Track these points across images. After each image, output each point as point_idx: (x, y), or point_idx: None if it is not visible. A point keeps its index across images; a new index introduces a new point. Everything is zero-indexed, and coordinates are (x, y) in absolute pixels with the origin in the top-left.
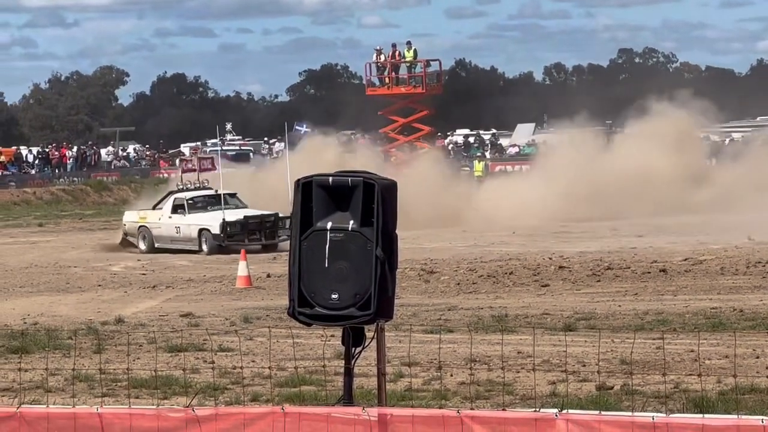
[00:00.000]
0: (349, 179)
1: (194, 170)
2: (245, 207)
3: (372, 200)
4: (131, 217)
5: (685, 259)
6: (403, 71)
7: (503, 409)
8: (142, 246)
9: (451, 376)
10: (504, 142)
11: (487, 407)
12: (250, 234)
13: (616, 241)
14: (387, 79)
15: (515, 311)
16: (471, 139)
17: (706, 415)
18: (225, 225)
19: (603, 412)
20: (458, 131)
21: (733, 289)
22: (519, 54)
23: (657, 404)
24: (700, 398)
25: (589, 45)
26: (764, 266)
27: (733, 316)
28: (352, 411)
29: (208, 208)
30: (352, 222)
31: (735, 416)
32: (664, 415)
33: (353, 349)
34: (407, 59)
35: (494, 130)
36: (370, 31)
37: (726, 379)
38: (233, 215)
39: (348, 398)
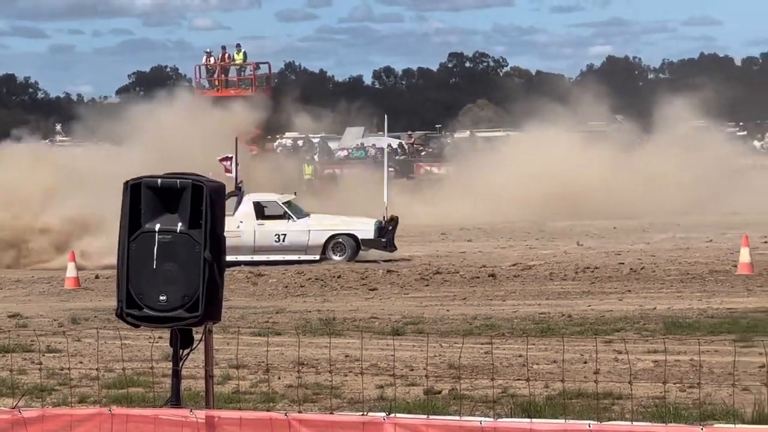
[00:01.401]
0: (178, 181)
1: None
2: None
3: (200, 203)
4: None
5: (514, 264)
6: (232, 74)
7: (331, 413)
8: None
9: (279, 378)
10: (333, 145)
11: (314, 410)
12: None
13: (445, 245)
14: (216, 82)
15: (343, 314)
16: (300, 143)
17: (534, 420)
18: (382, 229)
19: (431, 416)
20: (287, 134)
21: (562, 295)
22: (349, 57)
23: (485, 409)
24: (527, 403)
25: (421, 49)
26: (593, 272)
27: (561, 321)
28: (179, 413)
29: (286, 213)
30: (180, 224)
31: (562, 420)
32: (492, 419)
33: (181, 351)
34: (237, 62)
35: (323, 134)
36: (201, 33)
37: (554, 383)
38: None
39: (176, 400)
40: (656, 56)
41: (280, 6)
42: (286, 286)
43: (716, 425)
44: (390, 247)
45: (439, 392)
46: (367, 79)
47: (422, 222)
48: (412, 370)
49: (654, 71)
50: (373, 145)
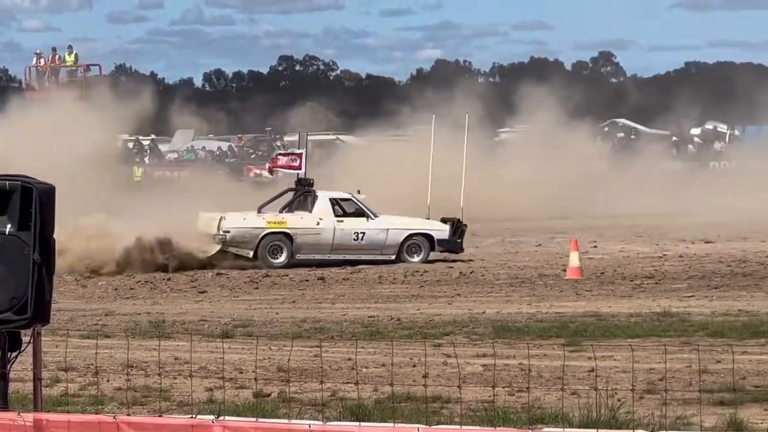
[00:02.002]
0: (7, 183)
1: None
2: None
3: (30, 204)
4: (239, 222)
5: (343, 268)
6: (63, 75)
7: (160, 415)
8: (280, 258)
9: (108, 381)
10: (164, 147)
11: (143, 413)
12: None
13: None
14: (47, 83)
15: (173, 317)
16: (130, 145)
17: (363, 423)
18: (458, 227)
19: (260, 419)
20: (118, 136)
21: (391, 298)
22: (180, 59)
23: (314, 411)
24: (356, 406)
25: (251, 51)
26: (421, 275)
27: (390, 324)
28: (7, 416)
29: (364, 211)
30: (9, 226)
31: (391, 424)
32: (321, 422)
33: (9, 353)
34: (68, 63)
35: (153, 136)
36: (31, 34)
37: (383, 387)
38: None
39: (3, 403)
40: (487, 60)
41: (111, 8)
42: (116, 289)
43: (545, 429)
44: (461, 248)
45: (269, 395)
46: (198, 82)
47: None
48: (242, 372)
49: (484, 75)
50: (203, 147)
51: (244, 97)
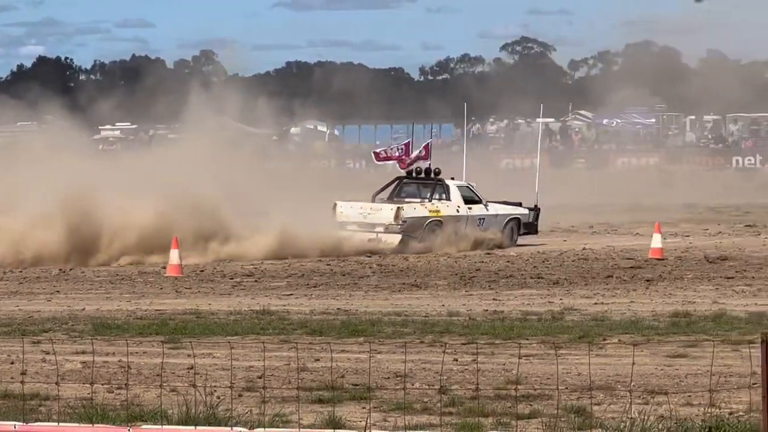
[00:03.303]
0: None
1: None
2: None
3: None
4: (412, 213)
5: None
6: None
7: None
8: (438, 241)
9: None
10: None
11: None
12: None
13: None
14: None
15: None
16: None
17: None
18: (536, 212)
19: None
20: None
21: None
22: None
23: None
24: None
25: None
26: (21, 272)
27: None
28: None
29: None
30: None
31: None
32: None
33: None
34: None
35: None
36: None
37: None
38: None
39: None
40: (89, 57)
41: None
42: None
43: (144, 426)
44: (537, 230)
45: None
46: None
47: None
48: None
49: (86, 72)
50: None
51: None
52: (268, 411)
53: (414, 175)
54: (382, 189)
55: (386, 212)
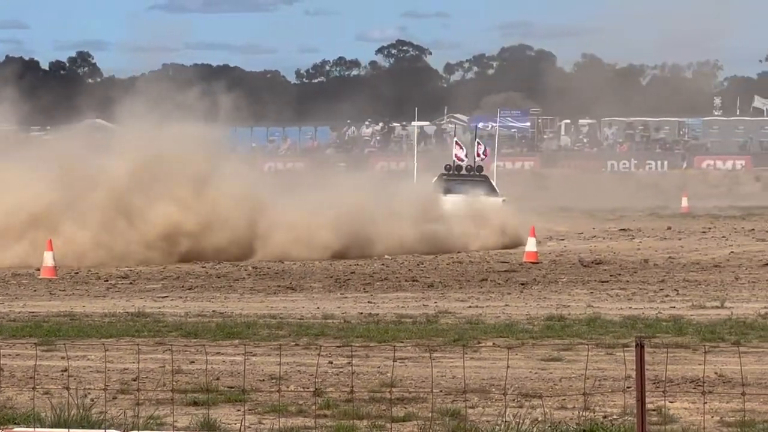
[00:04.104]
0: None
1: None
2: None
3: None
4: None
5: None
6: None
7: None
8: None
9: None
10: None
11: None
12: None
13: None
14: None
15: None
16: None
17: None
18: None
19: None
20: None
21: None
22: None
23: None
24: None
25: None
26: None
27: None
28: None
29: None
30: None
31: None
32: None
33: None
34: None
35: None
36: None
37: None
38: None
39: None
40: None
41: None
42: None
43: (16, 429)
44: None
45: None
46: None
47: None
48: None
49: None
50: None
51: None
52: (142, 413)
53: (456, 172)
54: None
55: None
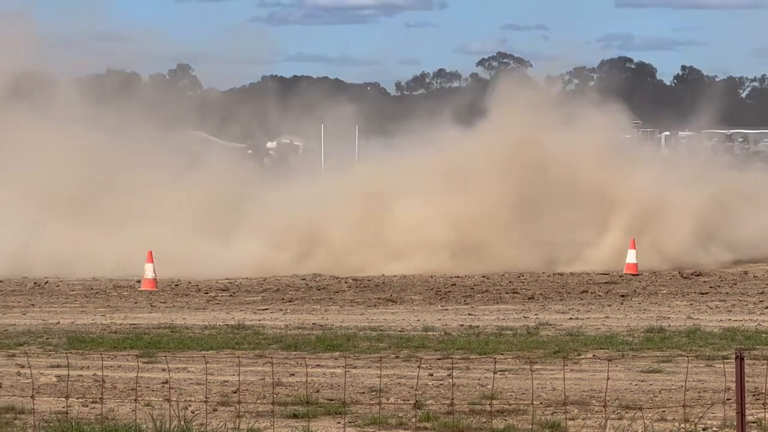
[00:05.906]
0: None
1: None
2: None
3: None
4: None
5: None
6: None
7: None
8: None
9: None
10: None
11: None
12: None
13: None
14: None
15: None
16: None
17: None
18: None
19: None
20: None
21: None
22: None
23: None
24: None
25: None
26: None
27: None
28: None
29: None
30: None
31: None
32: None
33: None
34: None
35: None
36: None
37: None
38: None
39: None
40: None
41: None
42: None
43: None
44: None
45: None
46: None
47: None
48: None
49: None
50: None
51: None
52: (242, 426)
53: None
54: None
55: None
